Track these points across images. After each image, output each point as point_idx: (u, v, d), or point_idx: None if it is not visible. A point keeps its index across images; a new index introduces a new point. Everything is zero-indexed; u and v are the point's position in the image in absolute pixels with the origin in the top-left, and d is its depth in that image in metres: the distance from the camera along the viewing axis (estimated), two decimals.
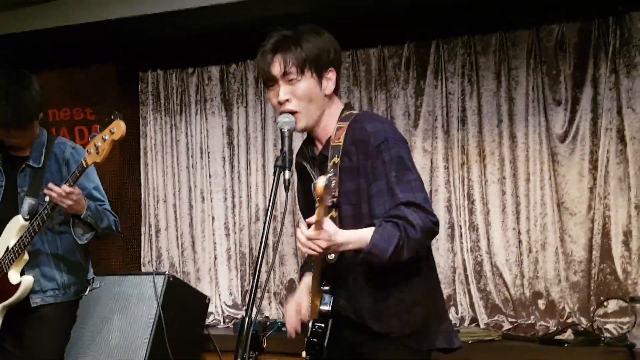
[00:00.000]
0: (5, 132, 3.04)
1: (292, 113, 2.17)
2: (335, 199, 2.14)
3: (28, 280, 3.02)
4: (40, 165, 3.07)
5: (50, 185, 2.84)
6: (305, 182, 2.33)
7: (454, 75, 4.50)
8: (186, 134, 5.20)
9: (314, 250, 1.99)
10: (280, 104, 2.18)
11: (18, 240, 2.98)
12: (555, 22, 4.26)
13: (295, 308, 2.34)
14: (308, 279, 2.36)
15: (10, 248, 3.00)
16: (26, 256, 3.01)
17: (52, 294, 3.08)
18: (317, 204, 1.92)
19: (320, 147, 2.28)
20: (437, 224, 2.11)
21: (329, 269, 2.17)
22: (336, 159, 2.16)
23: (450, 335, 2.29)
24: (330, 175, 1.92)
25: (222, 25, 4.65)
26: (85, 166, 2.82)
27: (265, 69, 2.19)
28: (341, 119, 2.25)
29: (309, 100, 2.18)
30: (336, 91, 2.27)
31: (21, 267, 3.02)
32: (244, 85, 5.05)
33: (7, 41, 4.70)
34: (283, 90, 2.17)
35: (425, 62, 4.57)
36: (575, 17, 4.22)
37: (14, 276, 3.00)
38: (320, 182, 1.87)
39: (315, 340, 2.18)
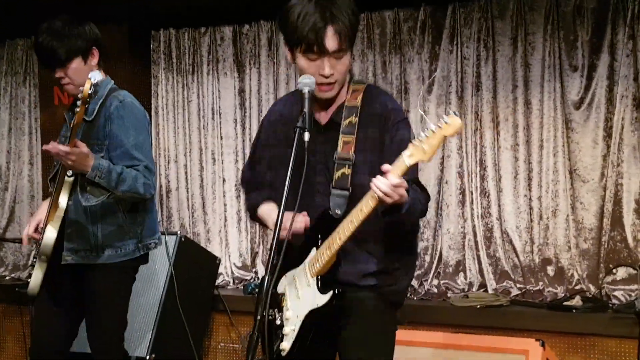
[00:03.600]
0: (56, 77, 3.03)
1: (331, 84, 2.21)
2: (351, 156, 2.20)
3: (47, 235, 2.97)
4: (91, 119, 3.01)
5: (52, 143, 2.81)
6: (283, 145, 2.32)
7: (470, 40, 4.45)
8: (198, 94, 5.18)
9: (394, 199, 2.02)
10: (325, 77, 2.19)
11: (52, 196, 2.97)
12: None
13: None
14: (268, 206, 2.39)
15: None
16: (59, 213, 2.97)
17: (82, 254, 3.03)
18: (423, 144, 1.96)
19: (328, 112, 2.31)
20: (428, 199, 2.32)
21: (330, 226, 2.18)
22: (353, 119, 2.19)
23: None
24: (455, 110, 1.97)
25: None
26: (71, 126, 2.80)
27: (318, 42, 2.14)
28: (354, 82, 2.32)
29: (346, 71, 2.25)
30: None
31: (57, 223, 2.97)
32: (256, 46, 5.01)
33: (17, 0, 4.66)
34: (328, 65, 2.18)
35: (441, 26, 4.52)
36: None
37: (46, 231, 2.98)
38: (458, 119, 1.90)
39: (336, 292, 2.20)
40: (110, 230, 3.04)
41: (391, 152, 2.17)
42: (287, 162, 2.08)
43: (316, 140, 2.24)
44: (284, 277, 2.32)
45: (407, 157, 1.98)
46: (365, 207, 2.07)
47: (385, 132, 2.22)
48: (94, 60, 3.07)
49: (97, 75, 2.80)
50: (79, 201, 3.00)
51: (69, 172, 2.95)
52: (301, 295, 2.24)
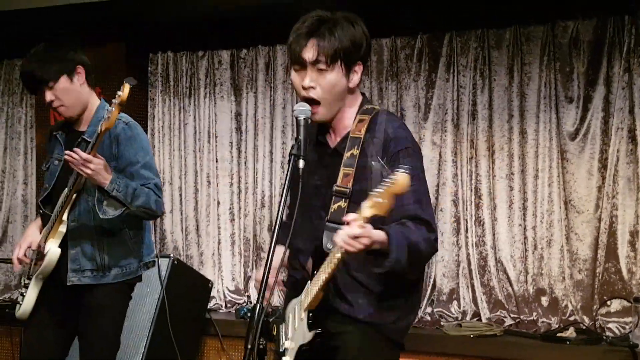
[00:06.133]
0: (47, 101, 3.01)
1: (313, 102, 2.16)
2: (348, 189, 2.13)
3: (52, 251, 2.95)
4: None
5: (73, 150, 2.81)
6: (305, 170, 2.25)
7: (466, 68, 4.48)
8: (194, 117, 5.19)
9: (357, 248, 1.95)
10: (305, 89, 2.17)
11: (54, 211, 2.96)
12: (570, 18, 4.23)
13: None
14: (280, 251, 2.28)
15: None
16: (62, 228, 2.96)
17: (89, 274, 3.00)
18: (377, 199, 1.86)
19: (335, 139, 2.27)
20: (436, 241, 2.12)
21: (324, 259, 2.13)
22: (355, 151, 2.14)
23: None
24: (407, 167, 1.85)
25: (234, 10, 4.63)
26: (98, 132, 2.80)
27: (296, 52, 2.16)
28: (362, 111, 2.23)
29: (332, 92, 2.17)
30: (358, 84, 2.26)
31: (58, 239, 2.96)
32: (254, 70, 5.03)
33: (17, 17, 4.68)
34: (310, 77, 2.16)
35: (438, 54, 4.54)
36: (591, 14, 4.19)
37: (48, 246, 2.97)
38: (404, 176, 1.81)
39: (319, 331, 2.15)
40: (117, 249, 3.03)
41: None
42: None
43: (321, 161, 2.24)
44: (290, 303, 2.29)
45: (366, 208, 1.90)
46: (333, 258, 2.03)
47: (386, 161, 2.13)
48: (81, 78, 3.05)
49: (134, 82, 2.78)
50: (91, 217, 2.96)
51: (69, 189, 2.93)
52: (297, 327, 2.21)
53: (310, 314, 2.15)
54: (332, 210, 2.16)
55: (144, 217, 3.04)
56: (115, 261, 3.03)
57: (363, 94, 2.31)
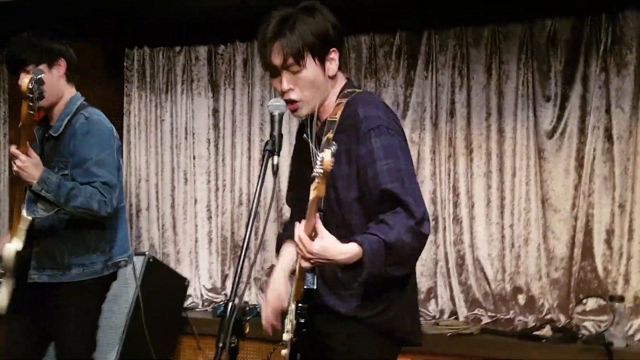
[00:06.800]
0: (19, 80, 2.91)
1: (294, 102, 2.15)
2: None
3: (6, 247, 2.89)
4: (57, 135, 2.97)
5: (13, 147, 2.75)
6: (301, 157, 2.29)
7: (445, 66, 4.47)
8: (171, 113, 5.13)
9: (311, 264, 1.98)
10: (284, 92, 2.15)
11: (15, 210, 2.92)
12: (548, 17, 4.23)
13: (274, 298, 2.28)
14: (284, 260, 2.34)
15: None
16: (22, 226, 2.89)
17: (49, 272, 2.95)
18: (316, 180, 1.84)
19: (319, 127, 2.25)
20: (421, 224, 2.02)
21: None
22: (330, 135, 2.11)
23: (419, 330, 2.30)
24: (334, 147, 1.82)
25: (211, 5, 4.57)
26: (19, 126, 2.74)
27: (266, 60, 2.16)
28: (342, 95, 2.21)
29: (312, 88, 2.15)
30: (340, 68, 2.22)
31: (21, 236, 2.89)
32: (231, 66, 4.98)
33: None
34: (285, 80, 2.14)
35: (416, 52, 4.53)
36: (569, 13, 4.19)
37: (9, 244, 2.92)
38: (327, 155, 1.79)
39: (303, 321, 2.11)
40: (76, 247, 2.98)
41: (363, 164, 2.09)
42: (299, 181, 2.11)
43: (314, 156, 2.21)
44: None
45: (311, 191, 1.87)
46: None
47: (357, 142, 2.10)
48: (61, 70, 3.01)
49: (41, 74, 2.65)
50: (50, 218, 2.90)
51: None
52: (291, 319, 2.19)
53: (299, 305, 2.12)
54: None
55: (86, 218, 2.92)
56: (75, 260, 2.97)
57: (348, 79, 2.28)
